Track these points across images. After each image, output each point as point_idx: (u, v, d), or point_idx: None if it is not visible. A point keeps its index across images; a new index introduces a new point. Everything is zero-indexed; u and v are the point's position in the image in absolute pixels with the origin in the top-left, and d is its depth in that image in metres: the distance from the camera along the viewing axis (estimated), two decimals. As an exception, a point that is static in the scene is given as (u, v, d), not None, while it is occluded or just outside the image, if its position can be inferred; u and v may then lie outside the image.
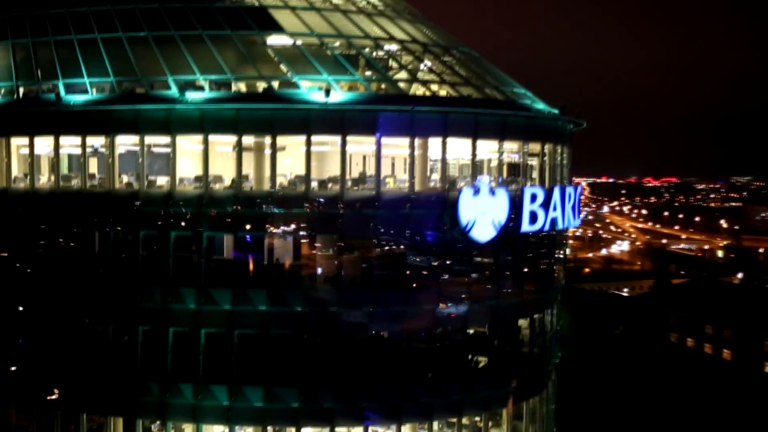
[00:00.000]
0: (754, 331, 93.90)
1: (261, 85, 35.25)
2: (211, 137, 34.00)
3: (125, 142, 35.68)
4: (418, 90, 37.33)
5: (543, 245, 39.88)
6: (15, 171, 37.91)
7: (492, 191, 35.26)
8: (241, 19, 37.22)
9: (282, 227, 34.27)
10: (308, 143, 33.45)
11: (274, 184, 33.72)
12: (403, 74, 37.70)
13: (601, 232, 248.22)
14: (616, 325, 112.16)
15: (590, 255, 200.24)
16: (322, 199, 34.09)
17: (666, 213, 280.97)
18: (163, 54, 35.64)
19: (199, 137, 33.90)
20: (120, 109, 34.43)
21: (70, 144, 36.61)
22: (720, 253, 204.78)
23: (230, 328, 34.14)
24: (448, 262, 36.73)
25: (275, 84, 35.09)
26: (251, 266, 34.65)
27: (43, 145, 36.70)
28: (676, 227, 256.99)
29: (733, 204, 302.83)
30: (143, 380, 34.91)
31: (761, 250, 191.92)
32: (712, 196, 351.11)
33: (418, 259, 36.05)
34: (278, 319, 34.15)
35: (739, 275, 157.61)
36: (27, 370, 36.93)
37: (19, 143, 37.42)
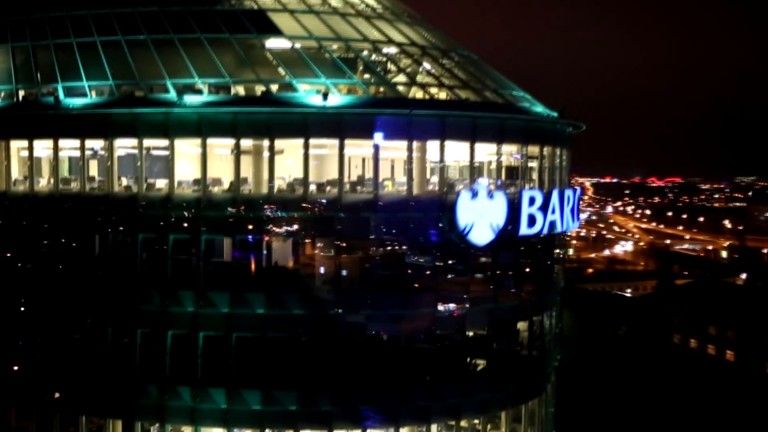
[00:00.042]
0: (757, 333, 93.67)
1: (259, 89, 35.27)
2: (210, 140, 34.11)
3: (124, 145, 35.80)
4: (416, 93, 37.38)
5: (542, 248, 39.89)
6: (15, 173, 38.10)
7: (490, 194, 35.26)
8: (240, 22, 37.29)
9: (280, 230, 34.32)
10: (306, 146, 33.54)
11: (272, 187, 33.77)
12: (401, 77, 37.72)
13: (604, 232, 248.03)
14: (619, 325, 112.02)
15: (593, 255, 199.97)
16: (319, 203, 34.14)
17: (670, 213, 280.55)
18: (161, 57, 35.72)
19: (198, 140, 33.97)
20: (118, 112, 34.55)
21: (71, 147, 36.74)
22: (724, 254, 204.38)
23: (228, 331, 34.20)
24: (446, 265, 36.76)
25: (273, 87, 35.13)
26: (249, 269, 34.70)
27: (44, 147, 36.84)
28: (680, 227, 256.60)
29: (738, 204, 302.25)
30: (142, 383, 35.00)
31: (765, 251, 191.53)
32: (716, 196, 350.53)
33: (416, 262, 36.07)
34: (276, 322, 34.21)
35: (743, 276, 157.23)
36: (27, 372, 37.04)
37: (19, 146, 37.53)
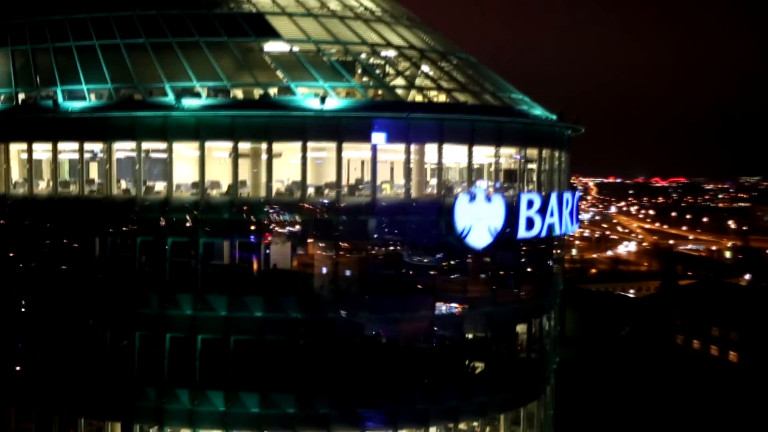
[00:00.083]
0: (760, 334, 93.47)
1: (258, 92, 35.35)
2: (208, 143, 34.19)
3: (124, 148, 35.89)
4: (415, 96, 37.40)
5: (540, 251, 39.90)
6: (16, 176, 38.26)
7: (488, 198, 35.26)
8: (238, 25, 37.35)
9: (278, 233, 34.37)
10: (304, 150, 33.61)
11: (270, 190, 33.83)
12: (399, 81, 37.74)
13: (608, 232, 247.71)
14: (622, 326, 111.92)
15: (595, 256, 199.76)
16: (318, 206, 34.19)
17: (673, 213, 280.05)
18: (160, 61, 35.82)
19: (196, 144, 34.05)
20: (117, 116, 34.65)
21: (71, 149, 36.84)
22: (728, 254, 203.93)
23: (226, 334, 34.28)
24: (444, 269, 36.78)
25: (272, 91, 35.20)
26: (247, 272, 34.76)
27: (44, 150, 36.96)
28: (684, 228, 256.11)
29: (742, 204, 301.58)
30: (140, 385, 35.08)
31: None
32: (720, 196, 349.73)
33: (414, 265, 36.07)
34: (274, 325, 34.26)
35: (747, 276, 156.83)
36: (26, 374, 37.17)
37: (19, 148, 37.68)
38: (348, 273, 35.25)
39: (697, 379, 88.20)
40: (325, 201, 34.26)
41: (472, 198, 34.80)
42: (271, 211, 34.01)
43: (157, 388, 34.88)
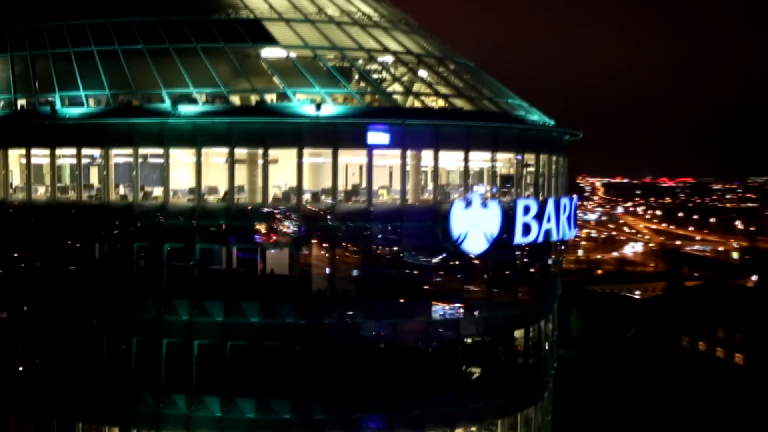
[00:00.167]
0: (766, 336, 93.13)
1: (255, 98, 35.47)
2: (205, 149, 34.30)
3: (123, 153, 36.05)
4: (412, 102, 37.40)
5: (537, 256, 39.84)
6: (16, 181, 38.49)
7: (484, 204, 35.24)
8: (236, 31, 37.44)
9: (274, 239, 34.46)
10: (300, 156, 33.67)
11: (266, 196, 33.93)
12: (396, 86, 37.78)
13: (614, 233, 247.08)
14: (628, 327, 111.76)
15: (600, 256, 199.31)
16: (314, 212, 34.26)
17: (681, 214, 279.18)
18: (157, 67, 35.95)
19: (193, 150, 34.17)
20: (114, 122, 34.81)
21: (71, 154, 37.00)
22: (735, 255, 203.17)
23: (223, 340, 34.38)
24: (440, 274, 36.79)
25: (269, 97, 35.30)
26: (243, 278, 34.86)
27: (43, 155, 37.15)
28: (691, 228, 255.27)
29: (750, 205, 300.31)
30: (137, 390, 35.25)
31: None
32: (728, 196, 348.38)
33: (410, 271, 36.09)
34: (270, 331, 34.33)
35: (754, 277, 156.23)
36: (25, 378, 37.39)
37: (19, 153, 37.88)
38: (344, 278, 35.29)
39: (703, 381, 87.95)
40: (322, 207, 34.34)
41: (468, 204, 34.80)
42: (267, 217, 34.09)
43: (154, 393, 35.03)
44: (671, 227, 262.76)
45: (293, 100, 34.46)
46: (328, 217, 34.09)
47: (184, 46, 36.73)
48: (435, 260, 36.17)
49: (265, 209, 33.89)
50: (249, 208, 34.32)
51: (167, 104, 34.22)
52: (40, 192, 37.58)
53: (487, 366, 38.07)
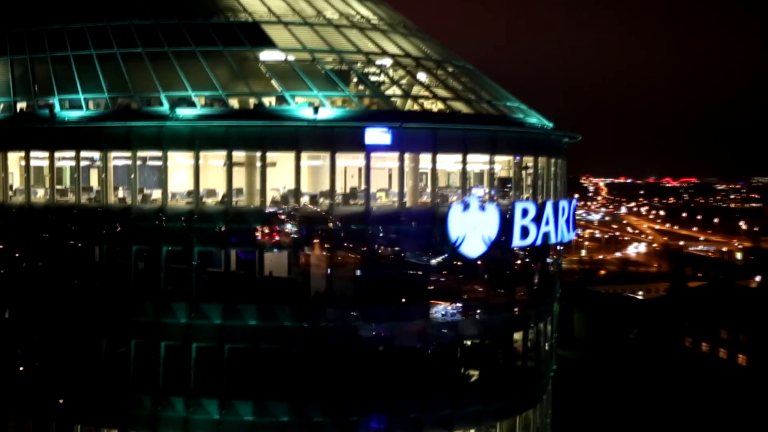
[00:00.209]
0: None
1: (253, 102, 35.53)
2: (203, 152, 34.36)
3: (122, 155, 36.12)
4: (411, 106, 37.42)
5: (536, 259, 39.83)
6: (17, 183, 38.61)
7: (482, 207, 35.25)
8: (234, 35, 37.50)
9: (272, 242, 34.52)
10: (297, 159, 33.72)
11: (264, 199, 34.00)
12: (394, 89, 37.80)
13: (617, 233, 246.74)
14: (631, 328, 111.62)
15: (603, 257, 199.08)
16: (312, 215, 34.32)
17: (684, 214, 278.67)
18: (156, 70, 36.04)
19: (191, 153, 34.23)
20: (112, 125, 34.91)
21: (70, 157, 37.11)
22: (739, 255, 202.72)
23: (221, 343, 34.45)
24: (439, 277, 36.81)
25: (266, 100, 35.37)
26: (241, 281, 34.94)
27: (43, 158, 37.25)
28: (695, 228, 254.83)
29: (754, 205, 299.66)
30: (136, 392, 35.34)
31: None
32: (732, 196, 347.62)
33: (408, 274, 36.11)
34: (268, 334, 34.40)
35: (758, 278, 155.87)
36: (24, 380, 37.51)
37: (19, 156, 37.99)
38: (342, 281, 35.31)
39: (706, 382, 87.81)
40: (320, 210, 34.38)
41: (466, 207, 34.82)
42: (265, 219, 34.15)
43: (152, 395, 35.12)
44: (675, 227, 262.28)
45: (291, 104, 34.52)
46: (326, 220, 34.12)
47: (183, 49, 36.82)
48: (433, 263, 36.18)
49: (264, 212, 33.95)
50: (247, 210, 34.37)
51: (165, 107, 34.30)
52: (40, 194, 37.71)
53: (485, 369, 38.09)
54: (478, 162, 38.81)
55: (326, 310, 34.64)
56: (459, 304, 36.54)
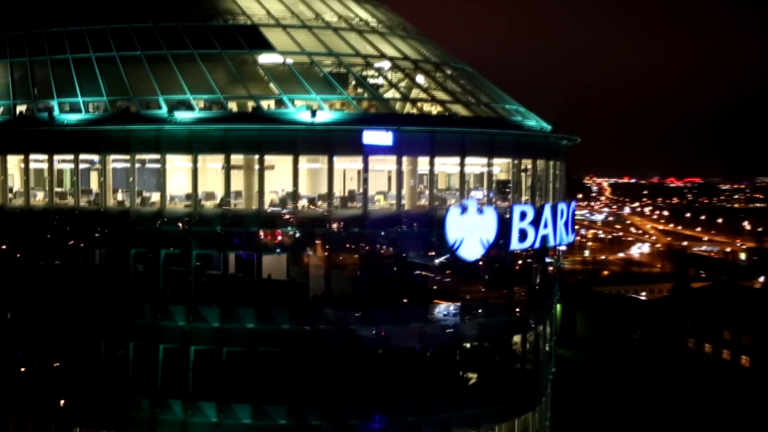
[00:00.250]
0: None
1: (251, 105, 35.55)
2: (202, 156, 34.42)
3: (121, 158, 36.19)
4: (410, 109, 37.38)
5: (534, 262, 39.80)
6: (17, 185, 38.70)
7: (480, 210, 35.22)
8: (233, 38, 37.56)
9: (270, 245, 34.55)
10: (295, 162, 33.75)
11: (262, 202, 34.03)
12: (393, 92, 37.81)
13: (621, 233, 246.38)
14: (633, 329, 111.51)
15: (605, 257, 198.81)
16: (310, 218, 34.34)
17: (688, 214, 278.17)
18: (155, 73, 36.09)
19: (189, 156, 34.29)
20: (111, 129, 34.96)
21: (70, 160, 37.18)
22: (742, 256, 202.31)
23: (219, 346, 34.48)
24: (437, 280, 36.80)
25: (265, 104, 35.39)
26: (239, 284, 34.96)
27: (43, 161, 37.32)
28: (698, 229, 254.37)
29: (758, 205, 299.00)
30: (134, 395, 35.38)
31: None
32: (736, 196, 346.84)
33: (406, 277, 36.11)
34: (266, 337, 34.45)
35: (761, 279, 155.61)
36: (23, 383, 37.59)
37: (19, 159, 38.08)
38: (340, 284, 35.32)
39: (708, 383, 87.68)
40: (318, 213, 34.41)
41: (464, 210, 34.80)
42: (263, 222, 34.19)
43: (150, 398, 35.17)
44: (678, 228, 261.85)
45: (290, 107, 34.54)
46: (325, 223, 34.15)
47: (182, 52, 36.90)
48: (431, 266, 36.17)
49: (262, 215, 33.98)
50: (245, 214, 34.41)
51: (164, 111, 34.34)
52: (39, 197, 37.79)
53: (484, 371, 38.08)
54: (476, 164, 38.84)
55: (324, 313, 34.66)
56: (457, 307, 36.50)
